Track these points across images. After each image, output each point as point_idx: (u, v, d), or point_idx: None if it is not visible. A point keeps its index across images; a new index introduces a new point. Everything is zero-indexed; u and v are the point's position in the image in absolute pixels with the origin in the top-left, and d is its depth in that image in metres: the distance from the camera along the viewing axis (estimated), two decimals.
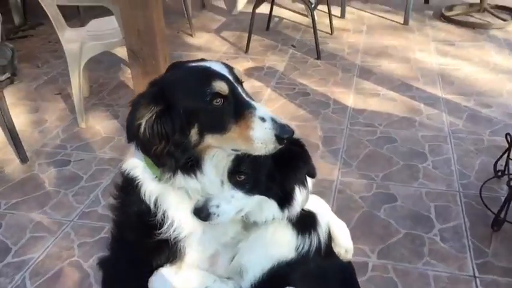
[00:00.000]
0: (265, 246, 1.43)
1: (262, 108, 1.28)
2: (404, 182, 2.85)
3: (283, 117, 1.12)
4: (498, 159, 2.80)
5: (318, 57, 4.59)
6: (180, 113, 1.26)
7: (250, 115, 1.25)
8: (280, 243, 1.43)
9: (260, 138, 1.24)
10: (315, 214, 1.49)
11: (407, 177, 2.89)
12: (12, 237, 2.55)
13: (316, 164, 1.43)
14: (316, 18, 4.63)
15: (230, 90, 1.27)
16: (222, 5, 6.34)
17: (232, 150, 1.30)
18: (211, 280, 1.42)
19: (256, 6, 4.67)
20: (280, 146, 1.26)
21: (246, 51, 4.78)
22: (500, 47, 4.71)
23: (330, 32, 5.21)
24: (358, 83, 4.11)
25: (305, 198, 1.42)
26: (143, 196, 1.37)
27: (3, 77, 4.15)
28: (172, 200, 1.37)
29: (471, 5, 5.65)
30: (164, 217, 1.36)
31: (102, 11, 3.50)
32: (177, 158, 1.28)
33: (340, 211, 2.59)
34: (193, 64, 1.37)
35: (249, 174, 1.32)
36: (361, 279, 2.06)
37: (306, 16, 5.66)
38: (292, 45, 4.95)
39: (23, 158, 3.14)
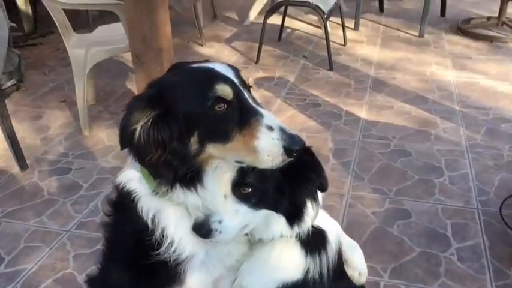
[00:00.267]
0: (270, 266, 1.28)
1: (270, 116, 1.14)
2: (419, 198, 2.69)
3: (292, 128, 1.03)
4: None
5: (330, 69, 4.47)
6: (179, 118, 1.13)
7: (256, 123, 1.12)
8: (287, 263, 1.28)
9: (266, 150, 1.10)
10: (324, 231, 1.35)
11: (423, 192, 2.74)
12: (6, 246, 2.45)
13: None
14: (329, 29, 4.53)
15: (235, 94, 1.14)
16: (234, 16, 6.27)
17: (236, 162, 1.16)
18: None
19: (267, 16, 4.58)
20: (289, 159, 1.12)
21: (257, 61, 4.69)
22: None
23: (343, 44, 5.10)
24: (371, 94, 3.98)
25: (316, 214, 1.28)
26: (140, 212, 1.23)
27: (9, 83, 4.09)
28: (172, 216, 1.23)
29: (489, 18, 5.51)
30: (163, 236, 1.21)
31: (112, 20, 3.44)
32: (176, 168, 1.15)
33: (351, 226, 2.45)
34: (196, 65, 1.24)
35: (255, 186, 1.18)
36: None
37: (319, 27, 5.56)
38: (304, 56, 4.84)
39: (23, 165, 3.05)
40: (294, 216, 1.23)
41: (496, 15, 5.37)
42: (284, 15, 5.22)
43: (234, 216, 1.18)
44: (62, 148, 3.32)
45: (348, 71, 4.47)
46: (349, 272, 1.42)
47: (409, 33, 5.41)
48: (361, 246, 1.48)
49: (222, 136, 1.13)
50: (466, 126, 3.41)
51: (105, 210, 1.37)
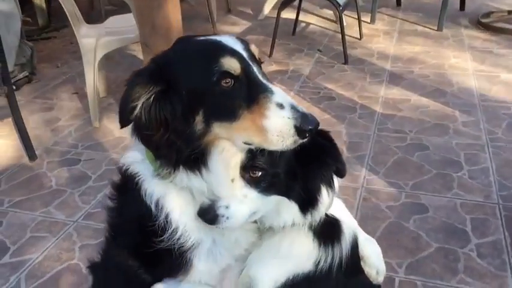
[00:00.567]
0: (280, 256, 1.19)
1: (280, 93, 1.05)
2: (437, 192, 2.59)
3: None
4: None
5: (346, 62, 4.37)
6: (182, 95, 1.05)
7: (266, 100, 1.02)
8: (299, 254, 1.19)
9: (276, 130, 1.00)
10: (339, 222, 1.25)
11: (440, 186, 2.63)
12: (12, 236, 2.41)
13: None
14: (344, 23, 4.43)
15: (243, 69, 1.05)
16: (248, 10, 6.19)
17: (244, 143, 1.06)
18: None
19: (280, 9, 4.50)
20: (302, 141, 1.02)
21: (270, 55, 4.60)
22: None
23: (359, 37, 4.99)
24: (387, 88, 3.87)
25: (331, 202, 1.18)
26: (143, 196, 1.15)
27: (21, 75, 4.12)
28: (176, 201, 1.15)
29: (509, 12, 5.36)
30: (167, 222, 1.13)
31: (124, 12, 3.39)
32: (179, 149, 1.07)
33: (365, 221, 2.36)
34: (202, 38, 1.16)
35: (265, 170, 1.08)
36: None
37: (334, 22, 5.47)
38: (319, 50, 4.75)
39: (31, 155, 3.01)
40: (307, 203, 1.14)
41: None
42: (298, 9, 5.12)
43: (242, 201, 1.09)
44: (71, 139, 3.28)
45: (364, 64, 4.37)
46: (366, 269, 1.34)
47: (427, 28, 5.28)
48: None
49: (228, 114, 1.04)
50: (486, 121, 3.29)
51: (108, 193, 1.30)
